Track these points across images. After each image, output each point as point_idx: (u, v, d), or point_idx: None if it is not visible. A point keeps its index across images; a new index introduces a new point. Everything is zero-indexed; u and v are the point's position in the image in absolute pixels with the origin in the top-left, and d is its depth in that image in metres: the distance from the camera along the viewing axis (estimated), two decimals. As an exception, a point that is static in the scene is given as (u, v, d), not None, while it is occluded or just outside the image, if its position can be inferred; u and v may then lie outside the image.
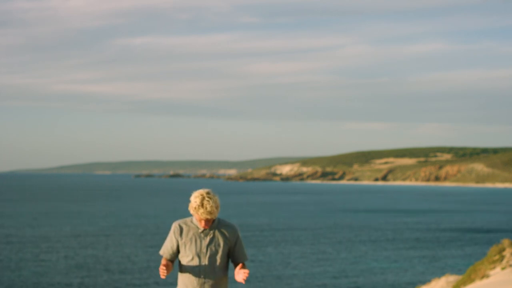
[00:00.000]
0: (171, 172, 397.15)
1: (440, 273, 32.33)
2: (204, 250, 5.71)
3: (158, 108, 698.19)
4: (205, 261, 5.70)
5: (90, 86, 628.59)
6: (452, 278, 22.20)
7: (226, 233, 5.76)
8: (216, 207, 5.64)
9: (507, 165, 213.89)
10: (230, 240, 5.77)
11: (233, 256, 5.82)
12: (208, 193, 5.64)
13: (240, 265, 5.78)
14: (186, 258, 5.74)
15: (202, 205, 5.58)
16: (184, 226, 5.80)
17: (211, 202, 5.60)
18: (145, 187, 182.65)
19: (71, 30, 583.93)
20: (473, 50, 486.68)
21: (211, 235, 5.74)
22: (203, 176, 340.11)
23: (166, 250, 5.81)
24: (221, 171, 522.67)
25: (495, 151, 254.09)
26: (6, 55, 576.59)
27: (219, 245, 5.73)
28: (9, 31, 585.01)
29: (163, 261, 5.79)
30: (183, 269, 5.79)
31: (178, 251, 5.81)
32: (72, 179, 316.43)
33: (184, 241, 5.75)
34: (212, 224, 5.77)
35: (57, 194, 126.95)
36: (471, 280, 18.53)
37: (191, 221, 5.81)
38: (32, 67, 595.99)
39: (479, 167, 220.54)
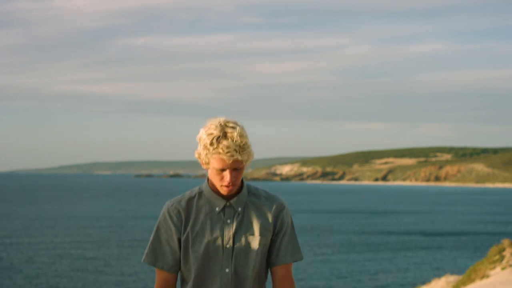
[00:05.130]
0: (171, 172, 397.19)
1: (440, 273, 32.26)
2: (228, 244, 3.08)
3: (158, 108, 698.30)
4: (229, 265, 3.08)
5: (91, 86, 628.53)
6: (452, 278, 22.12)
7: (266, 211, 3.14)
8: (247, 145, 3.04)
9: (507, 165, 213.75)
10: (273, 224, 3.13)
11: (273, 252, 3.15)
12: (228, 121, 3.06)
13: (284, 269, 3.16)
14: (194, 261, 3.10)
15: (225, 135, 3.02)
16: (187, 206, 3.14)
17: (239, 130, 3.03)
18: (145, 187, 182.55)
19: (73, 30, 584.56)
20: (473, 51, 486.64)
21: (239, 217, 3.10)
22: (203, 176, 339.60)
23: (161, 255, 3.14)
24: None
25: (495, 151, 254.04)
26: (8, 55, 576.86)
27: (252, 233, 3.09)
28: (11, 31, 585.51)
29: (161, 279, 3.15)
30: (188, 282, 3.16)
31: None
32: (72, 179, 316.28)
33: (191, 231, 3.10)
34: (240, 193, 3.13)
35: (56, 195, 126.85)
36: (471, 280, 18.46)
37: (199, 194, 3.15)
38: (33, 67, 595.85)
39: (479, 167, 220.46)
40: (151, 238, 3.18)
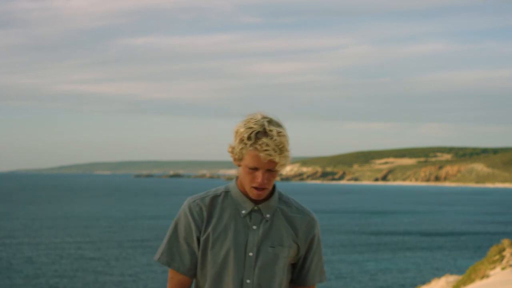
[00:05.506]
0: (171, 172, 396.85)
1: (440, 273, 32.26)
2: (251, 252, 2.76)
3: (158, 108, 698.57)
4: (250, 276, 2.75)
5: (91, 86, 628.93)
6: (452, 278, 22.12)
7: (297, 223, 2.92)
8: (286, 148, 2.73)
9: (507, 165, 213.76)
10: (302, 238, 2.89)
11: (303, 272, 2.88)
12: (271, 118, 2.77)
13: None
14: (212, 266, 2.78)
15: (265, 132, 2.71)
16: (211, 204, 2.82)
17: (281, 130, 2.73)
18: (145, 187, 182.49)
19: (73, 30, 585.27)
20: (473, 51, 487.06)
21: (267, 224, 2.81)
22: (203, 176, 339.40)
23: (178, 254, 2.80)
24: (221, 171, 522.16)
25: (495, 151, 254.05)
26: (8, 55, 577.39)
27: (281, 243, 2.80)
28: (11, 31, 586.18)
29: (175, 281, 2.81)
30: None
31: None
32: (72, 179, 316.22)
33: (212, 232, 2.77)
34: (270, 198, 2.86)
35: (56, 195, 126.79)
36: (471, 280, 18.46)
37: (225, 194, 2.85)
38: (33, 67, 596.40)
39: (479, 167, 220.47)
40: (167, 235, 2.85)
